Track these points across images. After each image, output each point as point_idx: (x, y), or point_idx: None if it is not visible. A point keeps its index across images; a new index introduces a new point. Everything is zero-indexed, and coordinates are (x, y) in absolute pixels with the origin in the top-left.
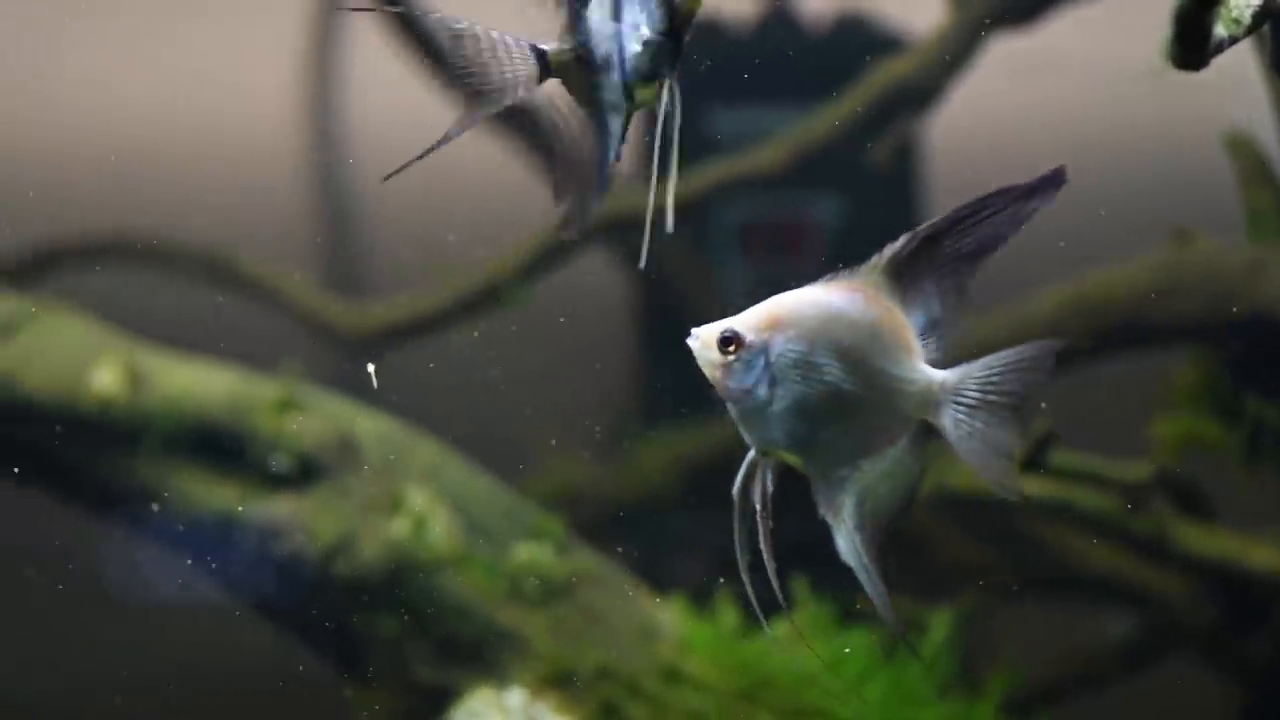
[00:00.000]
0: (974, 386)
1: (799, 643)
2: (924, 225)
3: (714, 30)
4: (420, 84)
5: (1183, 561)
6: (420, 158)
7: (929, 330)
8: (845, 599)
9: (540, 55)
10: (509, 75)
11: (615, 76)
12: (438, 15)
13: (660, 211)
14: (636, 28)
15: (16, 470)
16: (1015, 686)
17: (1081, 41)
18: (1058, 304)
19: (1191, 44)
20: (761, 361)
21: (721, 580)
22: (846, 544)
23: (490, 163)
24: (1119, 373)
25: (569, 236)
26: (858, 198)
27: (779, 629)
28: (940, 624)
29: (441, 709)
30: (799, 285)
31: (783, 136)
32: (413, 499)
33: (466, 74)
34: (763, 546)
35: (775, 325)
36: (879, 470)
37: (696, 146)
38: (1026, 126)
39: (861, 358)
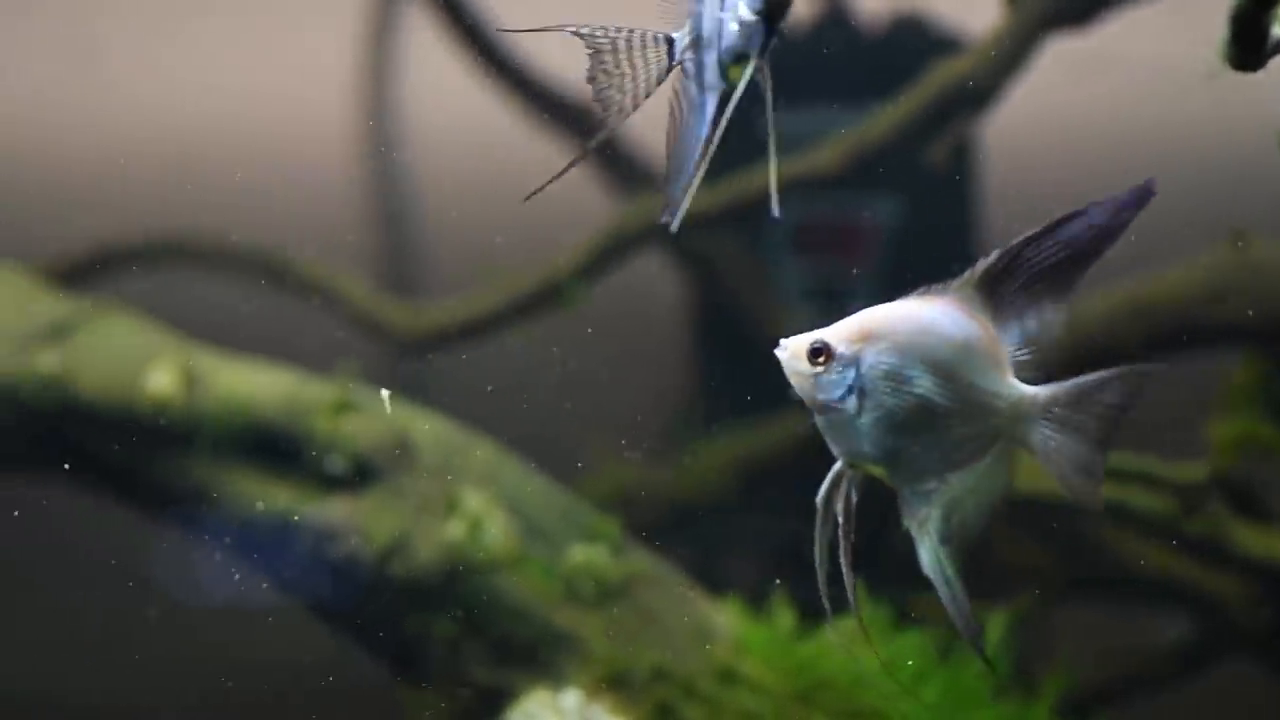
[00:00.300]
0: (1063, 405)
1: (858, 644)
2: (1016, 240)
3: None
4: (477, 84)
5: (1238, 563)
6: (563, 173)
7: (1022, 345)
8: (899, 600)
9: (670, 44)
10: (644, 73)
11: (713, 56)
12: (585, 29)
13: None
14: (736, 8)
15: (72, 471)
16: (1070, 688)
17: (1138, 42)
18: (1110, 305)
19: (1249, 45)
20: (851, 373)
21: (777, 582)
22: (930, 557)
23: (544, 164)
24: (1174, 374)
25: (667, 222)
26: (914, 198)
27: (841, 631)
28: (995, 625)
29: (497, 710)
30: (853, 286)
31: (839, 137)
32: (468, 501)
33: (607, 85)
34: (842, 560)
35: (866, 337)
36: (965, 484)
37: (751, 147)
38: (1082, 127)
39: (952, 372)
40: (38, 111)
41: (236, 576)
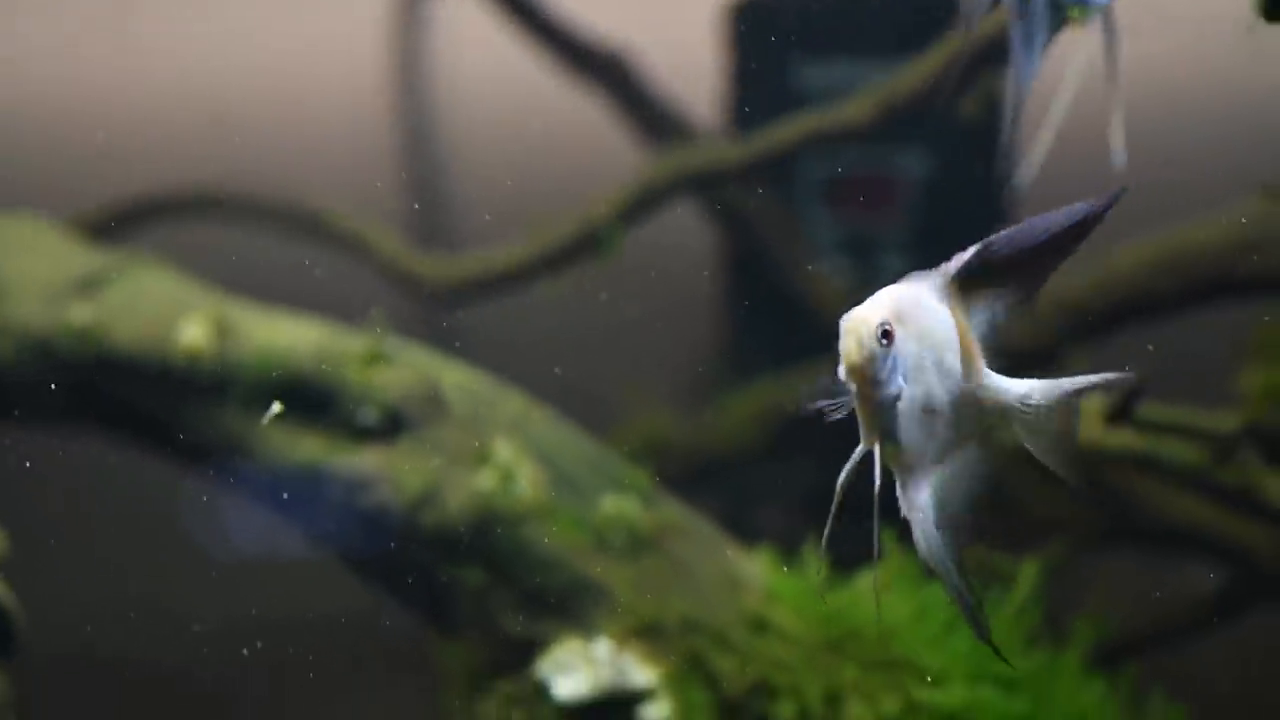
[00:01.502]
0: (1040, 398)
1: (887, 594)
2: (992, 238)
3: None
4: (508, 38)
5: (1270, 513)
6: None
7: (990, 339)
8: None
9: None
10: None
11: None
12: None
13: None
14: None
15: (104, 423)
16: (1101, 638)
17: None
18: (1144, 257)
19: None
20: (894, 356)
21: (808, 531)
22: (925, 543)
23: (574, 115)
24: (1206, 324)
25: (1006, 141)
26: (944, 152)
27: (868, 582)
28: (1026, 576)
29: (528, 660)
30: (884, 238)
31: (870, 90)
32: (499, 451)
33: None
34: (875, 545)
35: (898, 319)
36: (952, 473)
37: (785, 100)
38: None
39: (948, 362)
40: (71, 66)
41: (268, 527)
